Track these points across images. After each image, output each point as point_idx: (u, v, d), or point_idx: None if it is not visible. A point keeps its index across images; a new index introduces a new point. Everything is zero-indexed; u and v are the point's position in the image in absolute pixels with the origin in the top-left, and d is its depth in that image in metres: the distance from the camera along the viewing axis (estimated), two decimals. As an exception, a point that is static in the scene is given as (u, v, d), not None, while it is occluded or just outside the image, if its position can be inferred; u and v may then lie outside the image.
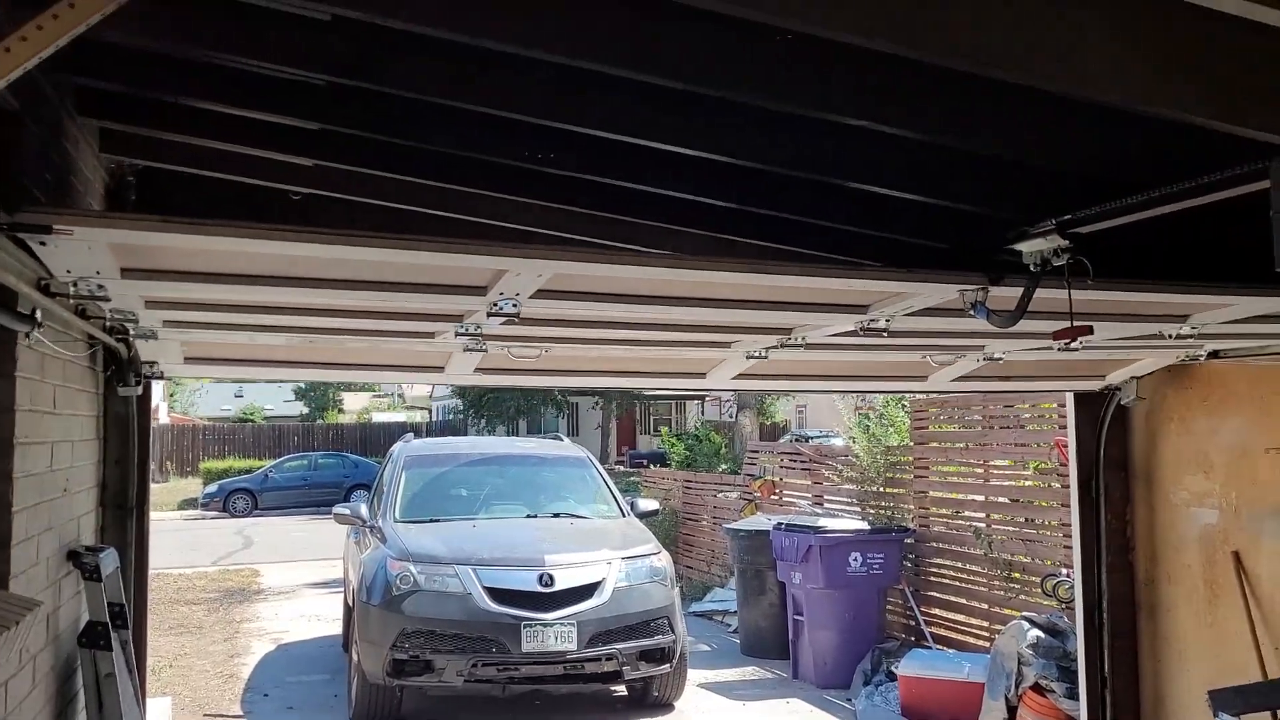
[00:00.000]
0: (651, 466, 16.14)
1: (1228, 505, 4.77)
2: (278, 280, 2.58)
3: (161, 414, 54.06)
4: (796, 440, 12.28)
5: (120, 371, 3.70)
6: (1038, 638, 6.23)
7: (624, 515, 8.36)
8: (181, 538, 22.91)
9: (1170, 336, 3.39)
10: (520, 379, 4.74)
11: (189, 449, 40.56)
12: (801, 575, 8.64)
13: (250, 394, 79.70)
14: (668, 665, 7.23)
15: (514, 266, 2.41)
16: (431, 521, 7.85)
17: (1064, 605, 6.48)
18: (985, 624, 8.21)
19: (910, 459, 9.28)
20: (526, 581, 6.89)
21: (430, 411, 58.22)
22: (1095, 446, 5.13)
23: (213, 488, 29.53)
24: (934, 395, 9.63)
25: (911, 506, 9.24)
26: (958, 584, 8.59)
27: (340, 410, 68.07)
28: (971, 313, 2.59)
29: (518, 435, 42.99)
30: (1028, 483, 7.95)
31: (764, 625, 9.70)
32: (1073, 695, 5.92)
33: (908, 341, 3.74)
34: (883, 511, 9.56)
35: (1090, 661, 5.13)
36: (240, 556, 19.19)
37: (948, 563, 8.73)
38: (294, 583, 14.90)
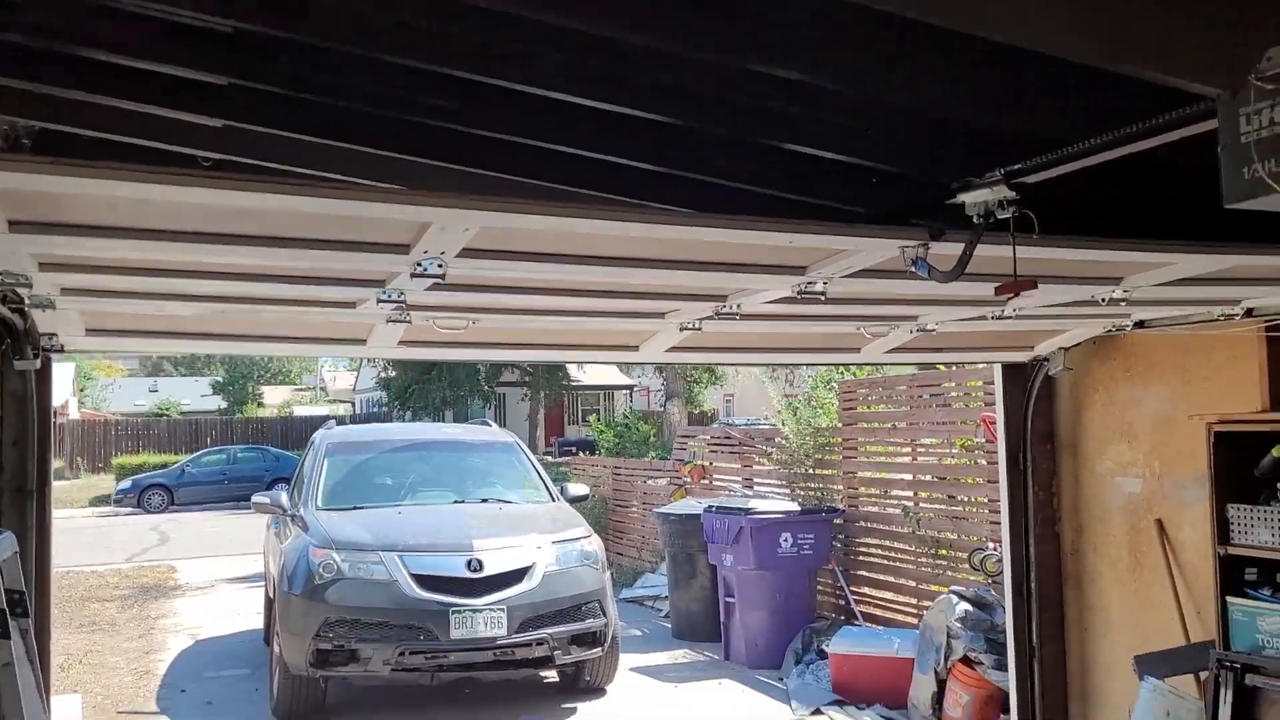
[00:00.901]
0: (581, 454, 16.03)
1: (1151, 474, 4.84)
2: (186, 236, 2.41)
3: (72, 410, 52.33)
4: (725, 427, 12.30)
5: (16, 345, 3.48)
6: (966, 611, 6.28)
7: (554, 500, 8.25)
8: (94, 535, 22.16)
9: (1102, 301, 3.39)
10: (446, 352, 4.59)
11: (100, 445, 39.22)
12: (733, 557, 8.63)
13: (166, 389, 77.60)
14: (599, 649, 7.15)
15: (439, 218, 2.28)
16: (355, 509, 7.65)
17: (991, 579, 6.55)
18: (914, 601, 8.29)
19: (839, 440, 9.33)
20: (454, 567, 6.74)
21: (354, 405, 57.22)
22: (1023, 419, 5.16)
23: (126, 483, 28.60)
24: (862, 377, 9.70)
25: (841, 487, 9.28)
26: (886, 562, 8.66)
27: (260, 404, 66.57)
28: (913, 269, 2.54)
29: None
30: (954, 460, 8.03)
31: (695, 609, 9.67)
32: (1001, 666, 5.98)
33: (844, 310, 3.69)
34: (812, 493, 9.60)
35: (1019, 632, 5.18)
36: (156, 553, 18.61)
37: (876, 542, 8.80)
38: (212, 578, 14.48)
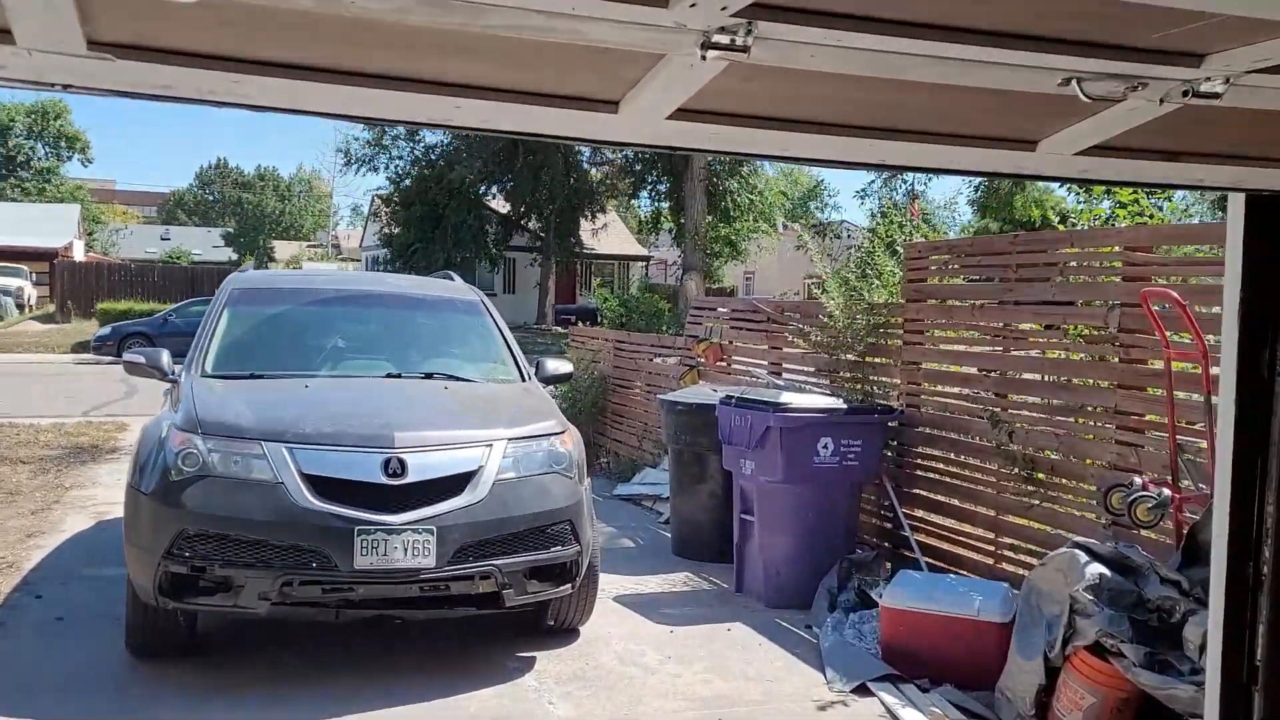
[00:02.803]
0: (580, 324, 13.96)
1: None
2: None
3: (77, 253, 50.49)
4: (752, 300, 10.19)
5: None
6: (1099, 576, 4.28)
7: (524, 380, 6.22)
8: (62, 383, 20.56)
9: None
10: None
11: (93, 289, 37.34)
12: (755, 464, 6.64)
13: (178, 237, 75.92)
14: (569, 585, 5.23)
15: None
16: (252, 378, 5.65)
17: (1139, 527, 4.55)
18: (990, 535, 6.32)
19: (899, 321, 7.21)
20: (366, 468, 4.77)
21: (363, 262, 55.16)
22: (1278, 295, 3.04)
23: (106, 330, 26.93)
24: (938, 240, 7.54)
25: (898, 382, 7.22)
26: (956, 482, 6.66)
27: (271, 259, 64.78)
28: None
29: (450, 289, 40.45)
30: (1066, 355, 5.94)
31: (702, 521, 7.77)
32: (1156, 667, 4.01)
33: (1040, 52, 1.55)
34: (859, 387, 7.55)
35: (1230, 640, 3.17)
36: (116, 407, 16.86)
37: (943, 455, 6.78)
38: (153, 442, 12.64)
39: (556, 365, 6.63)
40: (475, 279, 40.97)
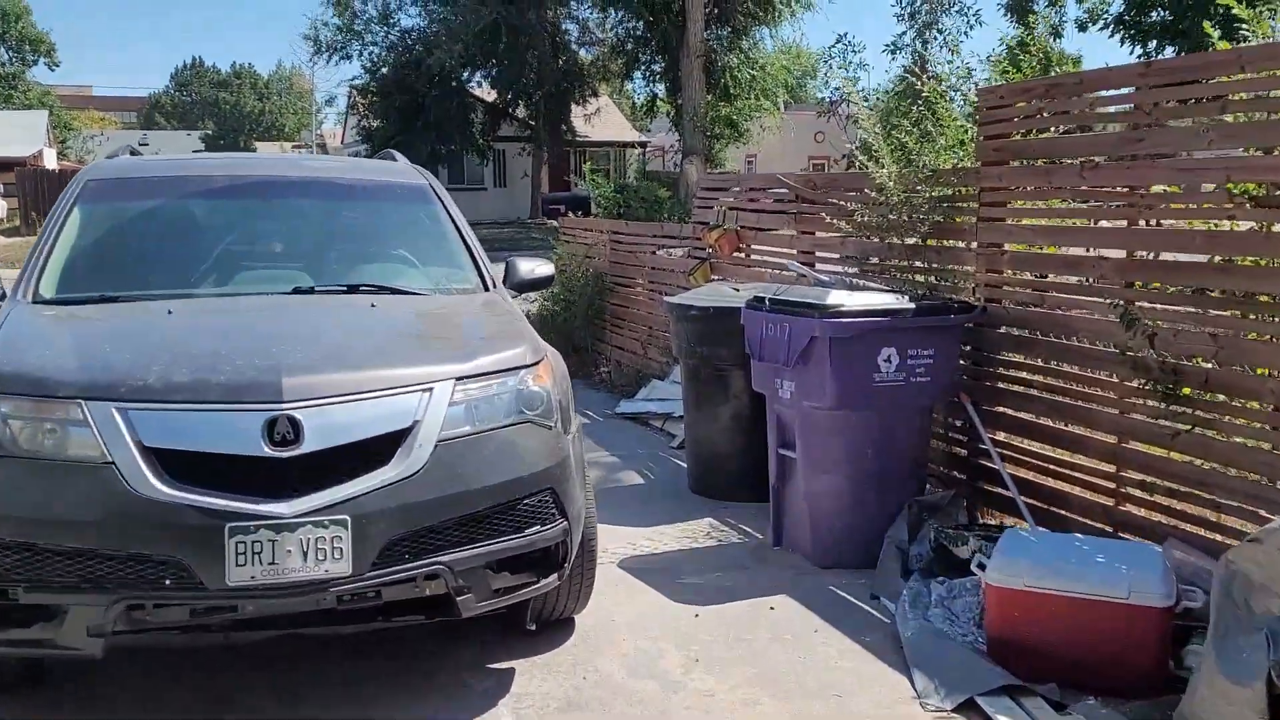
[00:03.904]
0: (571, 215, 12.24)
1: None
2: None
3: (48, 160, 48.14)
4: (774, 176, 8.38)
5: None
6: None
7: (487, 288, 4.62)
8: None
9: None
10: None
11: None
12: (796, 386, 5.09)
13: (156, 142, 73.13)
14: (554, 576, 3.72)
15: None
16: (102, 302, 4.05)
17: None
18: (1109, 469, 4.81)
19: (973, 192, 5.57)
20: (240, 435, 3.21)
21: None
22: None
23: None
24: (1021, 80, 5.87)
25: (971, 269, 5.60)
26: (1058, 398, 5.11)
27: (253, 162, 62.30)
28: None
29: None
30: (1222, 226, 4.32)
31: (725, 449, 6.28)
32: None
33: None
34: (921, 279, 5.94)
35: None
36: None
37: (1041, 365, 5.21)
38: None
39: (532, 267, 5.00)
40: (464, 173, 38.85)
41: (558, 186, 37.74)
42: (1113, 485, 4.75)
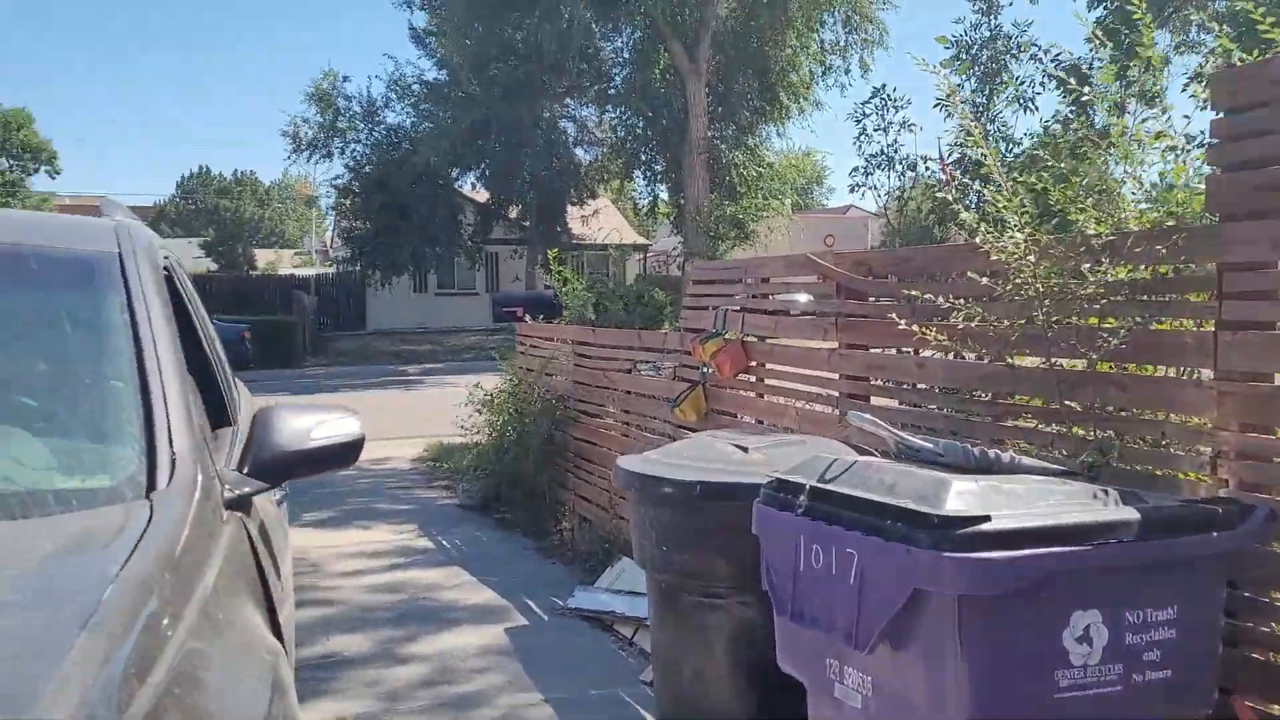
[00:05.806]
0: (528, 319, 9.52)
1: None
2: None
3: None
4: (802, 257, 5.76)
5: None
6: None
7: (152, 485, 1.87)
8: None
9: None
10: None
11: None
12: (875, 685, 2.28)
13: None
14: None
15: None
16: None
17: None
18: None
19: (1208, 267, 2.85)
20: None
21: (336, 266, 50.74)
22: None
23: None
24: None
25: (1203, 421, 2.83)
26: None
27: (253, 267, 60.84)
28: None
29: (424, 292, 35.84)
30: None
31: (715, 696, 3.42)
32: None
33: None
34: (1076, 438, 3.16)
35: None
36: None
37: None
38: None
39: (305, 425, 2.29)
40: (454, 277, 36.50)
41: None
42: None
